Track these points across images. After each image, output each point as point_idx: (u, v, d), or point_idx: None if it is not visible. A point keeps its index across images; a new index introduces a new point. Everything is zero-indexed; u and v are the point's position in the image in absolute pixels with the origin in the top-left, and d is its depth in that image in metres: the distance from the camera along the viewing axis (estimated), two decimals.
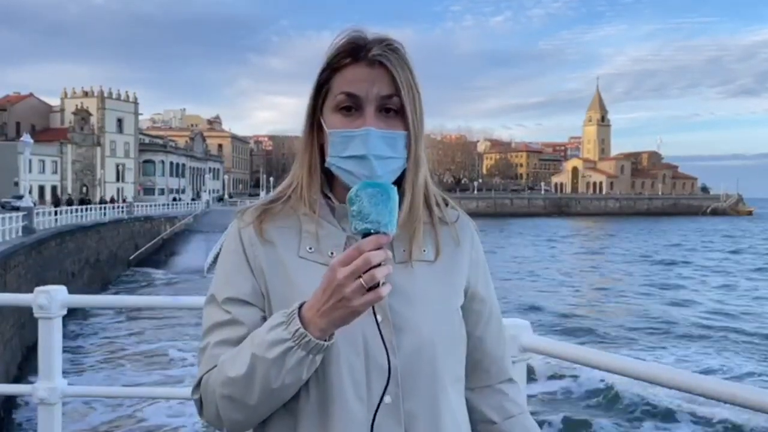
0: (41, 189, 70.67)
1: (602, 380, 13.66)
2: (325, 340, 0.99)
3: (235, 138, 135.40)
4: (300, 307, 1.00)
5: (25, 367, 15.61)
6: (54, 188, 73.53)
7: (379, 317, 1.04)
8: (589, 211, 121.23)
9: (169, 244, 44.44)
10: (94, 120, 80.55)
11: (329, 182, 1.16)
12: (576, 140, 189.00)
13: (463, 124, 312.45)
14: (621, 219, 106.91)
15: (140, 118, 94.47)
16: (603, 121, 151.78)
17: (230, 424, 1.06)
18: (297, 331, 0.98)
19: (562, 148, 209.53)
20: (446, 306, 1.14)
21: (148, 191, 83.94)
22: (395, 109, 1.09)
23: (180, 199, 75.72)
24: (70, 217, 33.69)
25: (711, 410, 12.18)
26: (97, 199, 65.31)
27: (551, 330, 20.41)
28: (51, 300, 2.42)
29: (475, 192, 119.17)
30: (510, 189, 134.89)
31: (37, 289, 2.47)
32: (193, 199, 76.19)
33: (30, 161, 35.92)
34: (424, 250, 1.14)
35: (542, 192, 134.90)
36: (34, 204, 29.66)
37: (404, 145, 1.10)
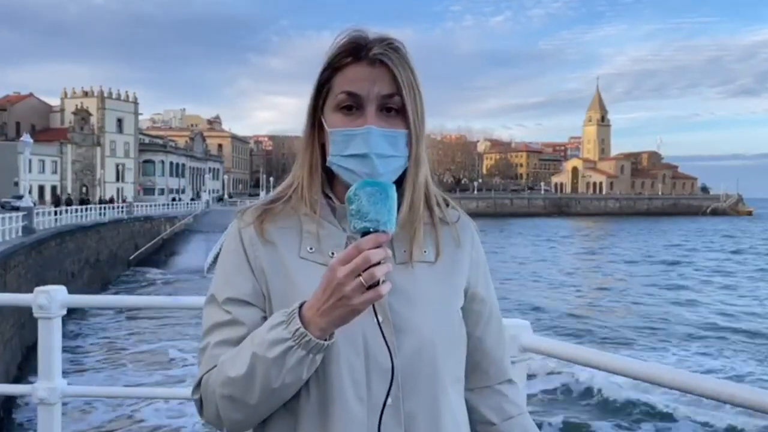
0: (41, 189, 70.66)
1: (602, 380, 13.65)
2: (326, 340, 0.99)
3: (235, 138, 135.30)
4: (300, 307, 1.00)
5: (25, 367, 15.61)
6: (54, 188, 73.49)
7: (380, 318, 1.04)
8: (589, 211, 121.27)
9: (169, 244, 44.45)
10: (94, 120, 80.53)
11: (330, 182, 1.16)
12: (576, 140, 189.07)
13: (463, 124, 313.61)
14: (621, 219, 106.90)
15: (140, 118, 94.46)
16: (603, 121, 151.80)
17: (230, 424, 1.06)
18: (297, 330, 0.98)
19: (562, 148, 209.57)
20: (446, 307, 1.14)
21: (148, 191, 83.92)
22: (396, 108, 1.09)
23: (180, 199, 75.71)
24: (70, 217, 33.68)
25: (711, 410, 12.18)
26: (97, 199, 65.28)
27: (551, 330, 20.41)
28: (51, 300, 2.42)
29: (475, 192, 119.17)
30: (510, 189, 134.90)
31: (36, 289, 2.47)
32: (192, 199, 76.17)
33: (30, 161, 35.87)
34: (425, 251, 1.14)
35: (542, 192, 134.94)
36: (34, 204, 29.63)
37: (405, 144, 1.10)
